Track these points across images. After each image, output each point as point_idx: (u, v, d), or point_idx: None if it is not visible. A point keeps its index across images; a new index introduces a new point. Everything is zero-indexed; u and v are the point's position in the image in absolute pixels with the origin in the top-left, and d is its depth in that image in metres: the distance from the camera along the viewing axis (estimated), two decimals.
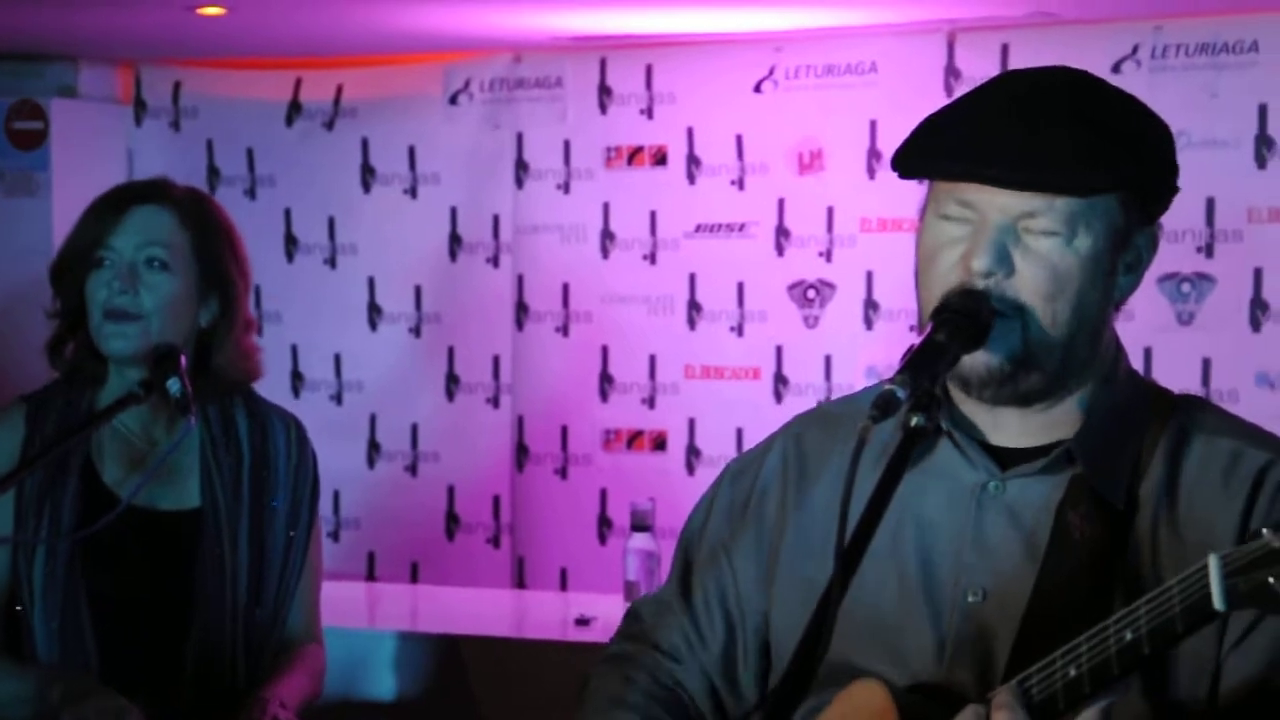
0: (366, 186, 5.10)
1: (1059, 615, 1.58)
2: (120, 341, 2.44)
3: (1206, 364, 4.29)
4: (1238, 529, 1.60)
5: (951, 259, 1.64)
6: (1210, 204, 4.30)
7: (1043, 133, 1.60)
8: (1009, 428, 1.69)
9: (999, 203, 1.61)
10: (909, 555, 1.69)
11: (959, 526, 1.68)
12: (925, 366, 1.54)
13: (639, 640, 1.88)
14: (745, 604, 1.82)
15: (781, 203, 4.71)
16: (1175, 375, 3.93)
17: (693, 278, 4.80)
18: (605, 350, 4.89)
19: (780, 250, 4.71)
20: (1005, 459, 1.68)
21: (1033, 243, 1.61)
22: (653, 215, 4.84)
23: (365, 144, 5.08)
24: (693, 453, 4.77)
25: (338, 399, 5.14)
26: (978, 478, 1.68)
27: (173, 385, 2.38)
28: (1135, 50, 4.34)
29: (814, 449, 1.80)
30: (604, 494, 4.88)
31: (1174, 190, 1.70)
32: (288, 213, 5.16)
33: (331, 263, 5.14)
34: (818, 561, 1.72)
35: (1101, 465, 1.64)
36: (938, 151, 1.66)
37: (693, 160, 4.79)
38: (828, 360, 4.66)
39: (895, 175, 1.71)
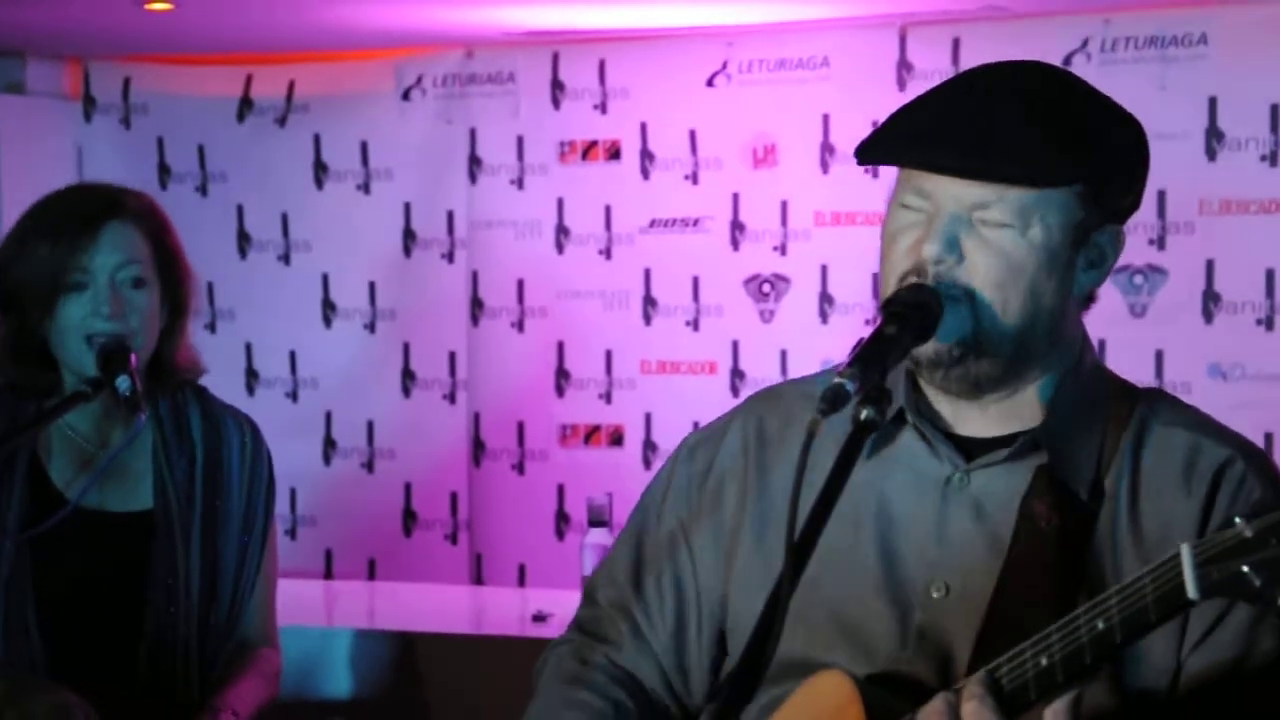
0: (319, 183, 5.07)
1: (1022, 609, 1.57)
2: (125, 381, 2.38)
3: (1159, 356, 4.32)
4: (1197, 525, 1.60)
5: (906, 245, 1.64)
6: (1161, 196, 4.33)
7: (997, 124, 1.60)
8: (972, 418, 1.69)
9: (952, 192, 1.62)
10: (872, 548, 1.68)
11: (923, 520, 1.67)
12: (875, 359, 1.53)
13: (595, 623, 1.88)
14: (702, 588, 1.80)
15: (736, 197, 4.71)
16: (1128, 367, 3.92)
17: (648, 273, 4.80)
18: (561, 346, 4.88)
19: (735, 245, 4.71)
20: (970, 449, 1.68)
21: (985, 233, 1.61)
22: (607, 210, 4.83)
23: (318, 140, 5.05)
24: (649, 447, 4.76)
25: (293, 396, 5.11)
26: (942, 469, 1.68)
27: (122, 383, 2.34)
28: (1085, 44, 4.37)
29: (775, 428, 1.79)
30: (561, 489, 4.87)
31: (1140, 188, 1.69)
32: (240, 209, 5.13)
33: (285, 259, 5.11)
34: (778, 546, 1.71)
35: (1067, 455, 1.64)
36: (897, 139, 1.67)
37: (646, 155, 4.79)
38: (783, 354, 4.66)
39: (849, 168, 1.71)
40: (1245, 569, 1.34)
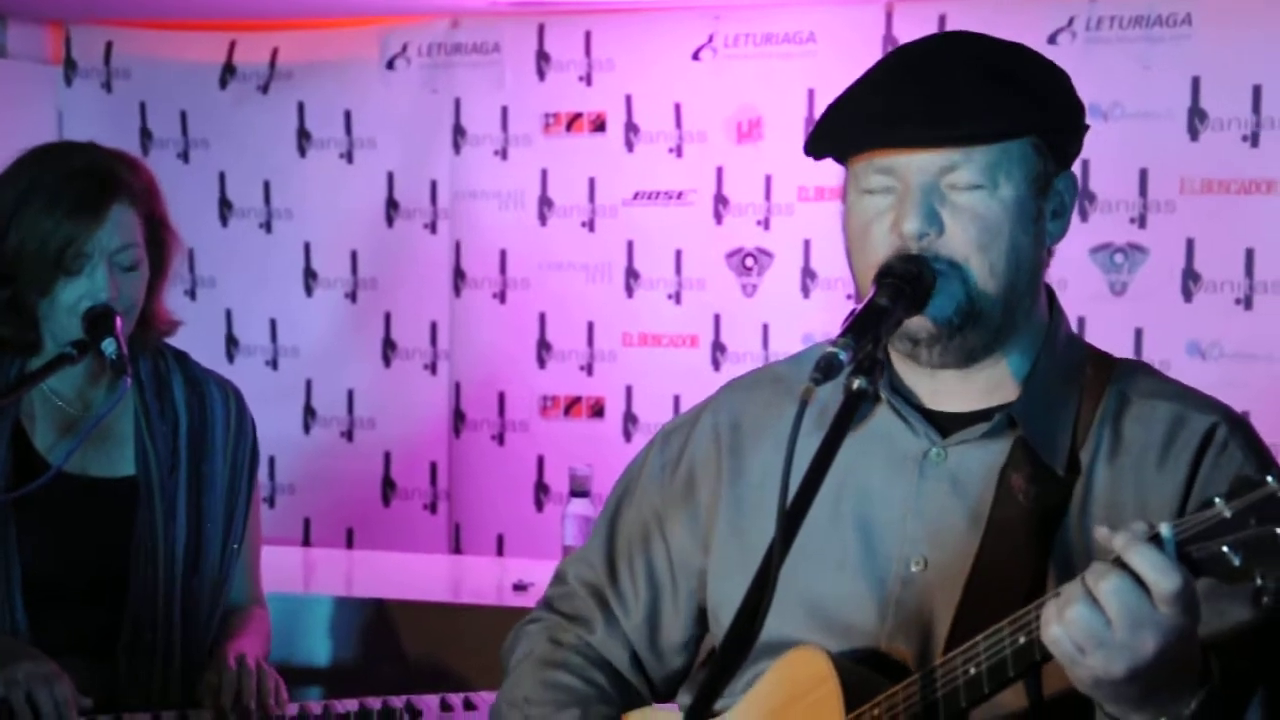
0: (302, 151, 5.05)
1: (1001, 581, 1.59)
2: (111, 344, 2.37)
3: (1139, 334, 4.33)
4: (1181, 493, 1.61)
5: (883, 230, 1.64)
6: (1144, 175, 4.34)
7: (947, 89, 1.62)
8: (950, 393, 1.70)
9: (917, 163, 1.62)
10: (849, 526, 1.69)
11: (901, 496, 1.68)
12: (868, 329, 1.54)
13: (566, 602, 1.89)
14: (679, 571, 1.82)
15: (720, 171, 4.71)
16: (1108, 345, 3.90)
17: (631, 245, 4.79)
18: (543, 317, 4.88)
19: (719, 218, 4.71)
20: (946, 425, 1.69)
21: (958, 199, 1.62)
22: (591, 182, 4.82)
23: (301, 108, 5.03)
24: (630, 420, 4.77)
25: (273, 364, 5.10)
26: (919, 445, 1.69)
27: (108, 346, 2.34)
28: (1071, 22, 4.37)
29: (751, 414, 1.80)
30: (541, 461, 4.87)
31: (1083, 129, 1.71)
32: (222, 176, 5.11)
33: (267, 227, 5.10)
34: (757, 527, 1.73)
35: (1043, 430, 1.65)
36: (848, 128, 1.67)
37: (631, 128, 4.78)
38: (765, 328, 4.66)
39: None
40: (1225, 549, 1.36)
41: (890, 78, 1.68)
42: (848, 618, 1.67)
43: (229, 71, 5.09)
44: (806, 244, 4.62)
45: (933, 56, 1.68)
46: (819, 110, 1.73)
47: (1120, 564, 1.40)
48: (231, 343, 5.12)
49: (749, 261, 4.69)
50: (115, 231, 2.39)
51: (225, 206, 5.11)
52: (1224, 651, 1.52)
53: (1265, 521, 1.33)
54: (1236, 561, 1.35)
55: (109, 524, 2.46)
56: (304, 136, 5.04)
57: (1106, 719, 1.49)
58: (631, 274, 4.79)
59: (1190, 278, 4.32)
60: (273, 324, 5.10)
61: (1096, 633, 1.39)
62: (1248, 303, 4.28)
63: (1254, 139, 4.26)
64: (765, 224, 4.67)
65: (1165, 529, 1.39)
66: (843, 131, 1.67)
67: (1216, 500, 1.37)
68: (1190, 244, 4.31)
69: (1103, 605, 1.39)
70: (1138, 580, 1.39)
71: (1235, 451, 1.64)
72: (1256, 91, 4.25)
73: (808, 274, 4.62)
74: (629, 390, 4.78)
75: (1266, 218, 4.24)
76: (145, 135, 5.13)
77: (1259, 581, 1.36)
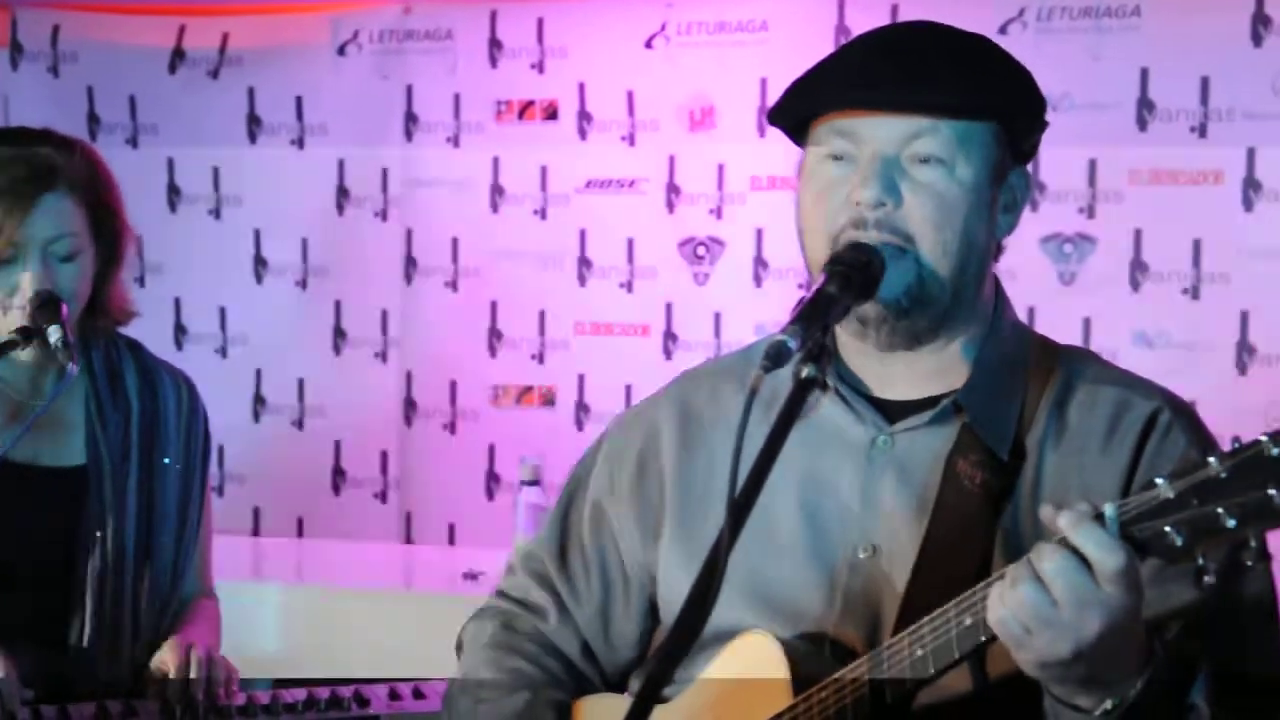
0: (252, 137, 5.02)
1: (947, 567, 1.60)
2: (56, 332, 2.35)
3: (1087, 323, 4.37)
4: (1125, 476, 1.63)
5: (839, 199, 1.65)
6: (1092, 165, 4.37)
7: (921, 63, 1.65)
8: (897, 379, 1.71)
9: (883, 131, 1.64)
10: (798, 514, 1.70)
11: (849, 483, 1.69)
12: (816, 317, 1.55)
13: (520, 591, 1.89)
14: (629, 564, 1.83)
15: (672, 159, 4.71)
16: (1056, 334, 3.94)
17: (583, 234, 4.79)
18: (494, 306, 4.87)
19: (671, 207, 4.72)
20: (893, 412, 1.70)
21: (918, 174, 1.63)
22: (543, 170, 4.82)
23: (251, 94, 5.00)
24: (582, 409, 4.77)
25: (222, 352, 5.08)
26: (866, 433, 1.70)
27: (53, 333, 2.33)
28: (1022, 12, 4.39)
29: (701, 406, 1.81)
30: (492, 450, 4.87)
31: (1043, 126, 1.73)
32: (171, 162, 5.07)
33: (216, 214, 5.07)
34: (707, 516, 1.74)
35: (988, 416, 1.67)
36: (821, 88, 1.68)
37: (584, 116, 4.78)
38: (717, 317, 4.68)
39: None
40: (1167, 529, 1.37)
41: (863, 50, 1.70)
42: (797, 604, 1.68)
43: (178, 56, 5.05)
44: (759, 233, 4.63)
45: (905, 37, 1.71)
46: (772, 98, 1.74)
47: (1065, 544, 1.41)
48: (180, 330, 5.09)
49: (701, 250, 4.70)
50: (48, 221, 2.37)
51: (174, 193, 5.08)
52: (1169, 632, 1.54)
53: (1206, 502, 1.35)
54: (1179, 541, 1.37)
55: (58, 513, 2.45)
56: (254, 123, 5.01)
57: (1053, 701, 1.51)
58: (584, 262, 4.79)
59: (1138, 268, 4.36)
60: (222, 312, 5.07)
61: (1042, 613, 1.41)
62: (1195, 293, 4.32)
63: (1202, 130, 4.30)
64: (718, 213, 4.67)
65: (1109, 509, 1.41)
66: (814, 93, 1.68)
67: (1159, 482, 1.38)
68: (1138, 234, 4.35)
69: (1048, 585, 1.41)
70: (1082, 559, 1.40)
71: (1178, 436, 1.66)
72: (1204, 83, 4.29)
73: (760, 263, 4.64)
74: (581, 379, 4.78)
75: (1214, 208, 4.28)
76: (93, 120, 5.09)
77: (1200, 561, 1.38)
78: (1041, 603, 1.41)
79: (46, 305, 2.35)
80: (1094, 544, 1.40)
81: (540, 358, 4.84)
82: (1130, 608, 1.42)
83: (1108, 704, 1.47)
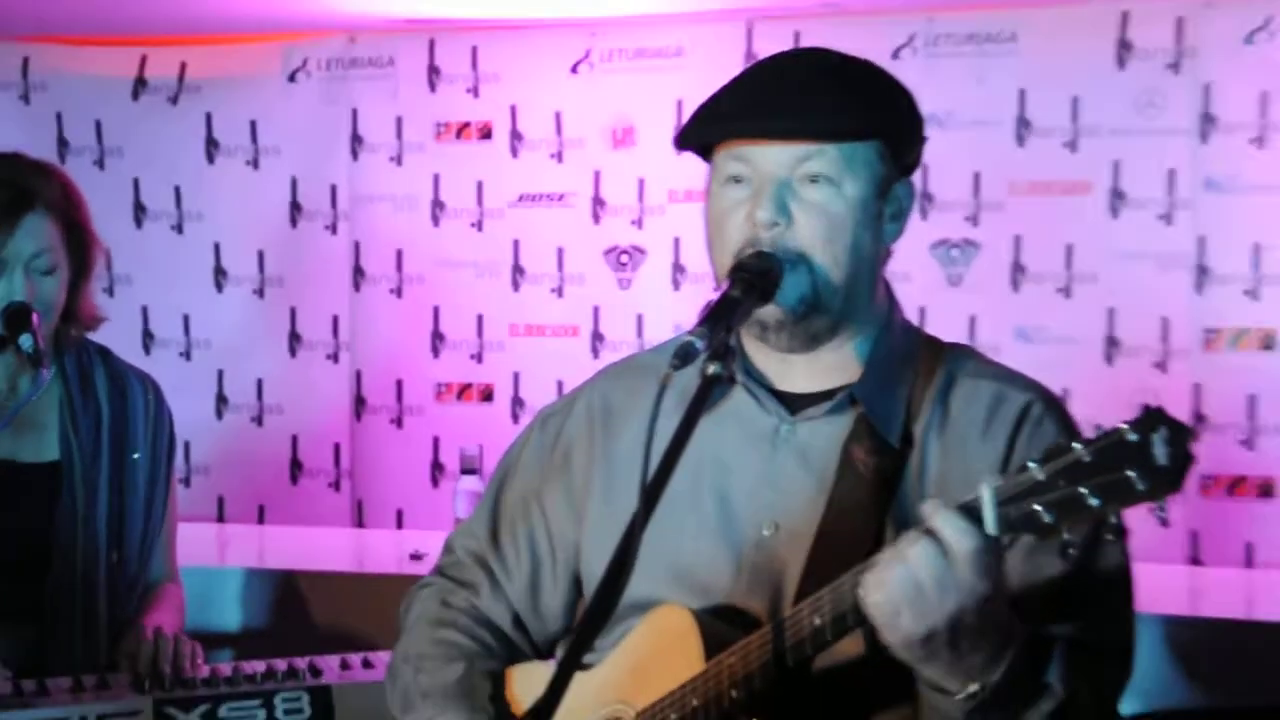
0: (210, 158, 4.98)
1: (844, 542, 1.62)
2: (28, 340, 2.33)
3: (973, 320, 4.42)
4: (1001, 462, 1.65)
5: (738, 219, 1.67)
6: (976, 178, 4.42)
7: (808, 92, 1.66)
8: (797, 375, 1.73)
9: (774, 156, 1.66)
10: (708, 496, 1.71)
11: (755, 467, 1.70)
12: (721, 319, 1.56)
13: (455, 569, 1.90)
14: (556, 542, 1.84)
15: (597, 175, 4.72)
16: (945, 332, 3.96)
17: (516, 244, 4.79)
18: (437, 310, 4.86)
19: (596, 218, 4.73)
20: (795, 404, 1.72)
21: (807, 194, 1.65)
22: (479, 186, 4.81)
23: (209, 118, 4.96)
24: (517, 404, 4.77)
25: (187, 355, 5.03)
26: (771, 422, 1.72)
27: (24, 341, 2.32)
28: (911, 39, 4.44)
29: (620, 398, 1.82)
30: (436, 441, 4.86)
31: (922, 141, 1.75)
32: (136, 182, 5.02)
33: (179, 229, 5.02)
34: (625, 500, 1.74)
35: (880, 406, 1.69)
36: (718, 119, 1.70)
37: (516, 135, 4.78)
38: (639, 319, 4.69)
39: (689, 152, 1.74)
40: (1038, 507, 1.39)
41: (756, 81, 1.71)
42: (707, 578, 1.69)
43: (140, 84, 5.00)
44: (676, 241, 4.65)
45: (794, 65, 1.72)
46: (687, 117, 1.75)
47: (928, 530, 1.43)
48: (147, 336, 5.04)
49: (624, 258, 4.71)
50: (29, 239, 2.37)
51: (139, 210, 5.03)
52: (1035, 611, 1.55)
53: (1073, 483, 1.36)
54: (1049, 519, 1.38)
55: (34, 504, 2.44)
56: (212, 145, 4.97)
57: (922, 684, 1.52)
58: (517, 270, 4.79)
59: (1018, 270, 4.42)
60: (185, 319, 5.03)
61: (909, 595, 1.42)
62: (1068, 292, 4.38)
63: (1073, 145, 4.36)
64: (639, 223, 4.69)
65: (986, 490, 1.42)
66: (713, 122, 1.70)
67: (1031, 465, 1.39)
68: (1018, 240, 4.41)
69: (913, 568, 1.42)
70: (941, 543, 1.42)
71: (1049, 425, 1.68)
72: (1075, 102, 4.35)
73: (678, 269, 4.66)
74: (516, 376, 4.79)
75: (1084, 216, 4.34)
76: (62, 144, 5.03)
77: (1066, 536, 1.40)
78: (908, 585, 1.41)
79: (18, 315, 2.34)
80: (950, 528, 1.41)
81: (479, 357, 4.83)
82: (981, 591, 1.42)
83: (971, 688, 1.47)
